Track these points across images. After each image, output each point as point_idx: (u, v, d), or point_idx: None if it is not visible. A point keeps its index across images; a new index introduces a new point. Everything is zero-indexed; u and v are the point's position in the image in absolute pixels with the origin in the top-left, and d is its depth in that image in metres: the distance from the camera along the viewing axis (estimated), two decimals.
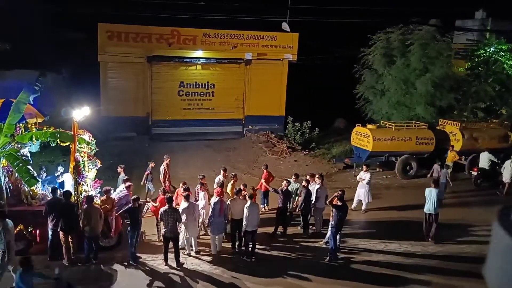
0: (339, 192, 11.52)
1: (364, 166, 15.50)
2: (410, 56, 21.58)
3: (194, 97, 24.12)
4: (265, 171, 14.60)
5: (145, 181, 14.43)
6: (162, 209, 10.93)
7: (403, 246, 12.58)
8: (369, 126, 19.55)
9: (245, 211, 11.17)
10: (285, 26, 25.54)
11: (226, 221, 11.85)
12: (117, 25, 21.99)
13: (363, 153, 19.30)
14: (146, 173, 14.44)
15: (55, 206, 10.63)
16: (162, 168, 14.52)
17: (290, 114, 23.94)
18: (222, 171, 13.79)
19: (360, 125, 19.90)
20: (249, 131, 24.70)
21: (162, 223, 11.02)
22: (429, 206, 12.64)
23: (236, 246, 11.93)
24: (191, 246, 11.60)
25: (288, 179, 13.53)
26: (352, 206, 14.61)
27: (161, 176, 14.48)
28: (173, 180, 14.96)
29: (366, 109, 23.51)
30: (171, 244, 10.97)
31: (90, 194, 11.25)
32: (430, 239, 12.81)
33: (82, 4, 21.40)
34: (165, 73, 23.44)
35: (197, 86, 24.05)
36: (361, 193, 14.89)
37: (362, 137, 19.25)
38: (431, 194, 12.57)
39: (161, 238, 11.40)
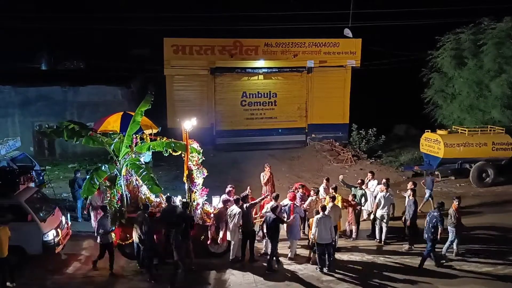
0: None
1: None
2: (483, 56, 20.37)
3: (256, 107, 24.24)
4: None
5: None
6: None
7: None
8: (439, 131, 18.71)
9: (314, 223, 10.89)
10: (347, 32, 25.15)
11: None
12: (181, 39, 22.66)
13: (433, 160, 18.49)
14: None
15: (169, 214, 11.09)
16: (262, 174, 15.08)
17: (354, 122, 23.36)
18: (325, 181, 13.90)
19: (429, 131, 19.07)
20: (312, 139, 24.40)
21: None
22: None
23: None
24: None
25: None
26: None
27: (263, 180, 14.93)
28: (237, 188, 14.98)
29: (435, 114, 22.47)
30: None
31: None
32: None
33: (148, 21, 22.30)
34: (228, 84, 23.78)
35: (260, 96, 24.16)
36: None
37: (432, 144, 18.44)
38: None
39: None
